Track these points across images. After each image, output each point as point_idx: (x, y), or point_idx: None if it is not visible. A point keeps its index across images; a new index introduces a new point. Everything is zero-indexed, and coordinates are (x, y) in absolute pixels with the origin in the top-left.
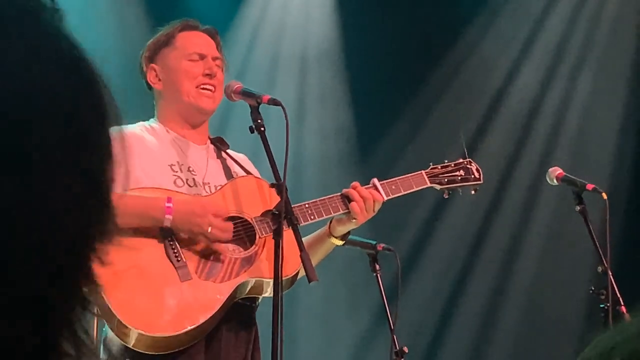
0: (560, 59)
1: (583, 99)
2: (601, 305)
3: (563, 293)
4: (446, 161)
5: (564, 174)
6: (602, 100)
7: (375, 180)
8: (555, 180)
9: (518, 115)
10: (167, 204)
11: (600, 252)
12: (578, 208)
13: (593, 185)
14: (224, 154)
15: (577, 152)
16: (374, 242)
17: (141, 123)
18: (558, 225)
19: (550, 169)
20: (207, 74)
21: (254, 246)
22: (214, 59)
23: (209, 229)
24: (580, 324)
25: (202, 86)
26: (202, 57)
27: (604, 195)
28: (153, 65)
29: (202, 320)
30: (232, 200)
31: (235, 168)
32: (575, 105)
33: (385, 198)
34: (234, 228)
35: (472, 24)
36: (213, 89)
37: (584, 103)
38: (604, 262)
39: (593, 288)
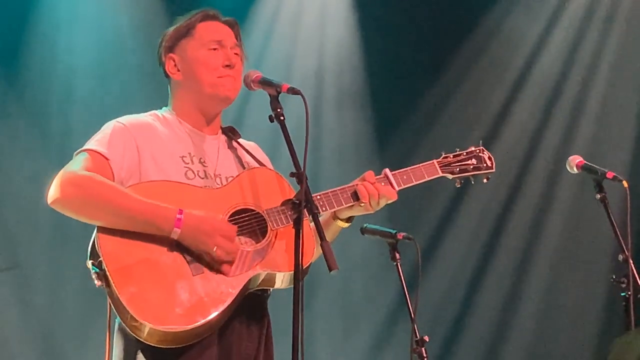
0: (579, 46)
1: (602, 87)
2: (622, 294)
3: (583, 281)
4: (458, 150)
5: (584, 162)
6: (622, 88)
7: (387, 170)
8: (575, 169)
9: (537, 103)
10: (177, 216)
11: (621, 240)
12: (598, 196)
13: (613, 174)
14: (234, 144)
15: (597, 140)
16: (394, 231)
17: (153, 112)
18: (578, 214)
19: (570, 157)
20: (227, 65)
21: (265, 239)
22: (233, 47)
23: (215, 249)
24: (600, 312)
25: (222, 78)
26: (221, 45)
27: (625, 184)
28: (172, 55)
29: (213, 314)
30: (248, 190)
31: (247, 158)
32: (594, 93)
33: (397, 189)
34: (247, 220)
35: (488, 14)
36: (232, 79)
37: (603, 91)
38: (625, 250)
39: (614, 276)
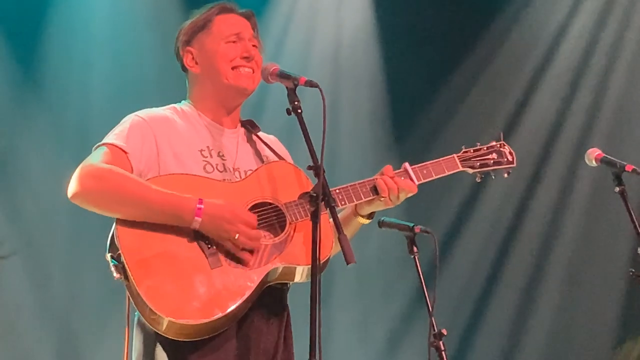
0: (597, 39)
1: (620, 80)
2: None
3: (602, 275)
4: (479, 144)
5: (603, 154)
6: None
7: (406, 164)
8: (594, 162)
9: (556, 96)
10: (198, 205)
11: None
12: (617, 189)
13: (633, 167)
14: (254, 137)
15: (615, 132)
16: (412, 225)
17: (172, 105)
18: (597, 207)
19: (589, 150)
20: (245, 57)
21: (284, 232)
22: (250, 39)
23: (237, 236)
24: (619, 305)
25: (240, 68)
26: (239, 37)
27: None
28: (189, 48)
29: (231, 308)
30: (266, 184)
31: (266, 152)
32: (613, 86)
33: (417, 182)
34: (265, 214)
35: (507, 6)
36: (252, 71)
37: (622, 83)
38: None
39: (633, 270)
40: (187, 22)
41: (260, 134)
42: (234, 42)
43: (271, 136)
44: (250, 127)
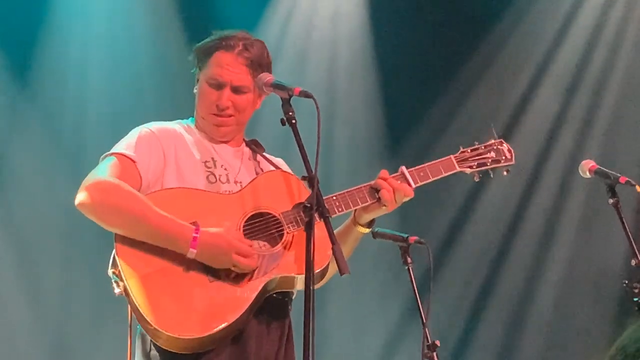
0: (592, 50)
1: (616, 91)
2: (635, 299)
3: (596, 286)
4: (476, 143)
5: (597, 166)
6: (635, 92)
7: (403, 168)
8: (588, 173)
9: (550, 107)
10: (193, 235)
11: (634, 245)
12: (611, 201)
13: (626, 178)
14: (259, 157)
15: (610, 144)
16: (406, 235)
17: (179, 121)
18: (591, 218)
19: (583, 162)
20: (218, 106)
21: (281, 242)
22: (235, 89)
23: (232, 267)
24: (613, 317)
25: (214, 116)
26: (220, 86)
27: (638, 188)
28: (198, 67)
29: (231, 320)
30: (259, 196)
31: (269, 169)
32: (608, 98)
33: (414, 186)
34: (264, 224)
35: (506, 12)
36: (226, 118)
37: (616, 95)
38: (638, 255)
39: (626, 281)
40: (205, 41)
41: (265, 154)
42: (213, 86)
43: (279, 159)
44: (255, 146)
